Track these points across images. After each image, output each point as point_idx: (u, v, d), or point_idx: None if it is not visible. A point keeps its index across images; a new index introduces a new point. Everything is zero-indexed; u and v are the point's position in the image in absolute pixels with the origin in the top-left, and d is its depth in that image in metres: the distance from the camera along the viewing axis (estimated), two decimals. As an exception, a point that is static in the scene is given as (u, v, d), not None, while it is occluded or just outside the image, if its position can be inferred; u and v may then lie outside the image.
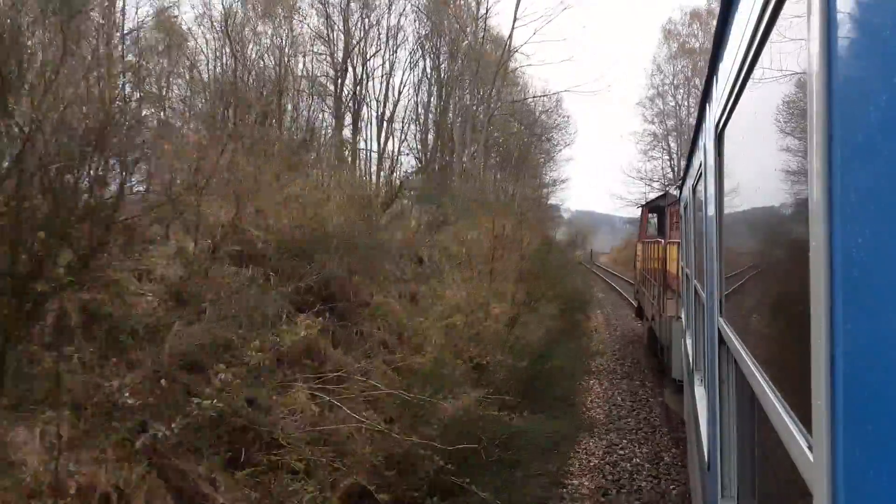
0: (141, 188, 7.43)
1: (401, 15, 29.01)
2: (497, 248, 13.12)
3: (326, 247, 8.68)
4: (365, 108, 27.64)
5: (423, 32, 29.72)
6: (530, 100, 37.07)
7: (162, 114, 15.48)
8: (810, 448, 0.93)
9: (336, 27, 27.07)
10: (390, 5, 28.11)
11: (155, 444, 4.48)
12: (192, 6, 32.73)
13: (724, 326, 2.30)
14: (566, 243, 28.82)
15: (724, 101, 2.12)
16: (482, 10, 29.81)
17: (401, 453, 6.20)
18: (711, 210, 2.75)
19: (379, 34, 28.21)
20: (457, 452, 6.11)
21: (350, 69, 27.08)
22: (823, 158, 0.86)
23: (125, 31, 18.82)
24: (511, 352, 9.84)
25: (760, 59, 1.47)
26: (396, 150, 28.47)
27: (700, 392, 4.50)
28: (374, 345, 8.55)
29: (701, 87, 4.18)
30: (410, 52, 29.60)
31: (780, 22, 1.24)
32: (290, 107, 23.38)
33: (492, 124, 31.84)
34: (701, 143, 3.64)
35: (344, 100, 26.72)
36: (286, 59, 24.24)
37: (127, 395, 4.53)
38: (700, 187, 3.76)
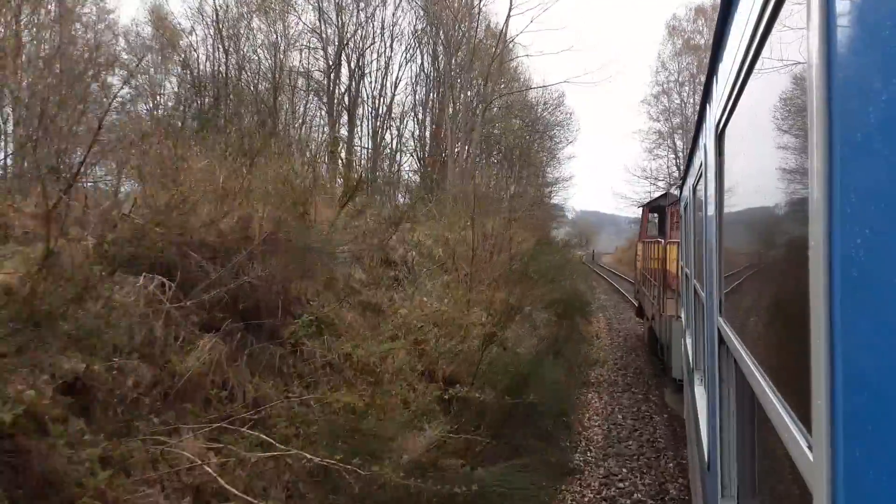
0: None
1: (396, 7, 28.92)
2: (478, 249, 12.04)
3: (251, 250, 6.87)
4: (360, 103, 27.53)
5: (420, 26, 29.61)
6: (528, 91, 36.65)
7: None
8: (810, 448, 0.93)
9: (330, 21, 26.94)
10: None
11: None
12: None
13: (724, 326, 2.30)
14: (564, 243, 28.47)
15: (724, 101, 2.12)
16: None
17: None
18: (711, 209, 2.75)
19: (374, 27, 28.09)
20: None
21: (345, 64, 26.98)
22: (823, 158, 0.86)
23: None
24: (483, 378, 8.02)
25: (760, 58, 1.47)
26: (393, 146, 28.43)
27: (700, 391, 4.50)
28: (316, 370, 6.88)
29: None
30: (406, 47, 29.49)
31: (779, 21, 1.24)
32: (286, 105, 23.43)
33: (493, 122, 31.70)
34: (701, 143, 3.64)
35: (338, 96, 26.58)
36: (280, 54, 24.27)
37: None
38: (700, 187, 3.76)
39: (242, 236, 7.07)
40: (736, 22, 1.82)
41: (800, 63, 1.03)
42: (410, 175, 28.55)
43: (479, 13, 29.55)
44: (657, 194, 25.05)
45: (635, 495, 7.68)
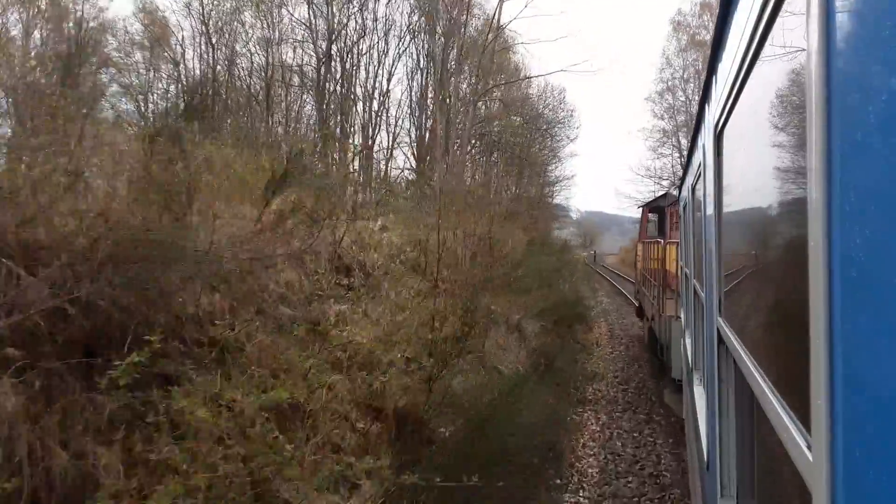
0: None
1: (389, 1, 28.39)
2: (450, 250, 10.51)
3: (85, 254, 4.87)
4: (352, 98, 27.23)
5: (414, 19, 29.27)
6: (525, 81, 35.82)
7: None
8: (809, 448, 0.93)
9: (321, 14, 26.57)
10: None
11: None
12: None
13: (723, 326, 2.30)
14: (563, 244, 27.96)
15: (722, 101, 2.12)
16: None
17: None
18: (710, 209, 2.75)
19: (364, 19, 27.71)
20: None
21: (336, 58, 26.63)
22: (822, 158, 0.86)
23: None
24: (438, 412, 6.50)
25: (759, 58, 1.47)
26: (389, 143, 28.21)
27: (699, 391, 4.50)
28: (162, 426, 4.49)
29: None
30: (399, 38, 29.06)
31: (778, 21, 1.24)
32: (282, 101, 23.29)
33: (492, 120, 31.47)
34: (700, 143, 3.64)
35: (327, 90, 26.22)
36: (272, 48, 24.17)
37: None
38: (699, 187, 3.76)
39: (89, 237, 5.03)
40: (735, 22, 1.81)
41: (799, 63, 1.03)
42: (398, 172, 28.30)
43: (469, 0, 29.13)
44: (661, 193, 25.02)
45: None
